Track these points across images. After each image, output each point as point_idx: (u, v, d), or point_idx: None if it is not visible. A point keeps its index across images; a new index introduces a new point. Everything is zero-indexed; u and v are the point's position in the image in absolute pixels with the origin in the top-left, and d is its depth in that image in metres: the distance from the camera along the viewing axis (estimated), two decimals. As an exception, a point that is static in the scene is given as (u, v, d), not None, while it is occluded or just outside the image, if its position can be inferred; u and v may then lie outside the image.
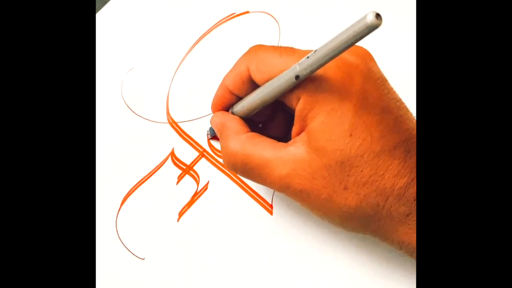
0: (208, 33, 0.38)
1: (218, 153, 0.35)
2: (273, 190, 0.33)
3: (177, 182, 0.34)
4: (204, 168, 0.34)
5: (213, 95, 0.30)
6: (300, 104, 0.25)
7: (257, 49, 0.27)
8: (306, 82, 0.24)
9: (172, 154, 0.35)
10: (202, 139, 0.35)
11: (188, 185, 0.34)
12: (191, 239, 0.33)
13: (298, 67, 0.23)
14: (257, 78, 0.26)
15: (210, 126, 0.34)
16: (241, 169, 0.27)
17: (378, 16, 0.19)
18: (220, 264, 0.32)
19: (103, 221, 0.34)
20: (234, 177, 0.34)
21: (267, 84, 0.26)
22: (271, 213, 0.33)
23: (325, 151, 0.24)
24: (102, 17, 0.38)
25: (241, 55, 0.28)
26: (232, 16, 0.38)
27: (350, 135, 0.24)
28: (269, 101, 0.26)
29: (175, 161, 0.35)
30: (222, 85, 0.29)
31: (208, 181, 0.34)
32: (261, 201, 0.33)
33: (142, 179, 0.34)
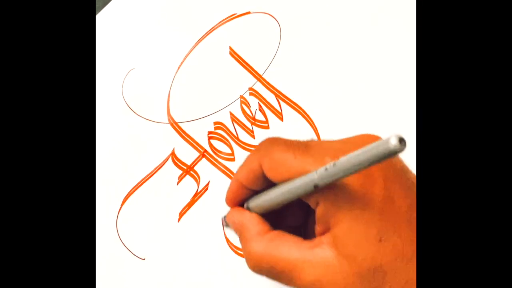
0: (209, 33, 0.38)
1: (218, 153, 0.35)
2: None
3: (178, 183, 0.34)
4: (204, 168, 0.34)
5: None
6: (320, 209, 0.23)
7: (267, 147, 0.25)
8: (325, 189, 0.23)
9: (173, 154, 0.35)
10: (203, 139, 0.35)
11: (189, 185, 0.34)
12: (192, 239, 0.33)
13: (316, 176, 0.22)
14: (271, 177, 0.25)
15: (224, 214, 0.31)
16: (266, 273, 0.25)
17: (401, 140, 0.17)
18: (220, 264, 0.32)
19: (104, 221, 0.34)
20: (235, 178, 0.34)
21: (283, 187, 0.24)
22: (271, 213, 0.33)
23: (354, 258, 0.22)
24: (103, 18, 0.38)
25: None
26: (233, 16, 0.38)
27: (380, 240, 0.22)
28: (286, 202, 0.25)
29: (176, 161, 0.35)
30: (236, 180, 0.27)
31: (209, 182, 0.34)
32: (262, 201, 0.33)
33: (142, 179, 0.34)
